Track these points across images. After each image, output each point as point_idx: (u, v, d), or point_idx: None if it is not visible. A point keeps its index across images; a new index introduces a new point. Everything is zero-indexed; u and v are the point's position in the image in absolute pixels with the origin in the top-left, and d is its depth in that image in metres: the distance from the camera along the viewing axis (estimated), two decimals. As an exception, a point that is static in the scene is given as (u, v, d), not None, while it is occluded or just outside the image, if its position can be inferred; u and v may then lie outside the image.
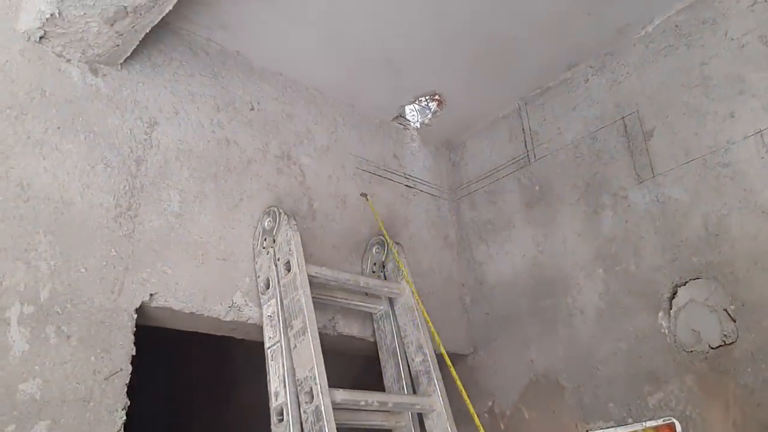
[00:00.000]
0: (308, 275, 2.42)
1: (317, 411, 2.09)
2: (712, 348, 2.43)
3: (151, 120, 2.48)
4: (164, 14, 2.22)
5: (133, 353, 2.16)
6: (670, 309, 2.58)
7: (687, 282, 2.56)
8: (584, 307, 2.85)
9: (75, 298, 2.09)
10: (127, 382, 2.12)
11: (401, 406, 2.42)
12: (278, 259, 2.46)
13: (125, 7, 2.15)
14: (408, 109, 3.41)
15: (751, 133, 2.46)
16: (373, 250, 2.91)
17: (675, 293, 2.58)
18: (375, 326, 2.81)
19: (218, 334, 2.59)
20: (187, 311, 2.34)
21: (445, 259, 3.38)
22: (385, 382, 2.69)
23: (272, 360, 2.33)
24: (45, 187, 2.13)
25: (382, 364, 2.72)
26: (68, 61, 2.32)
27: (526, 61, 3.09)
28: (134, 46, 2.35)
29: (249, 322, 2.49)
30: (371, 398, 2.30)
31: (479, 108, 3.42)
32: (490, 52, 2.99)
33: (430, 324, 2.68)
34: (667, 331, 2.58)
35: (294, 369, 2.24)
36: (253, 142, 2.78)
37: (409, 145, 3.48)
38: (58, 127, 2.23)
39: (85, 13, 2.16)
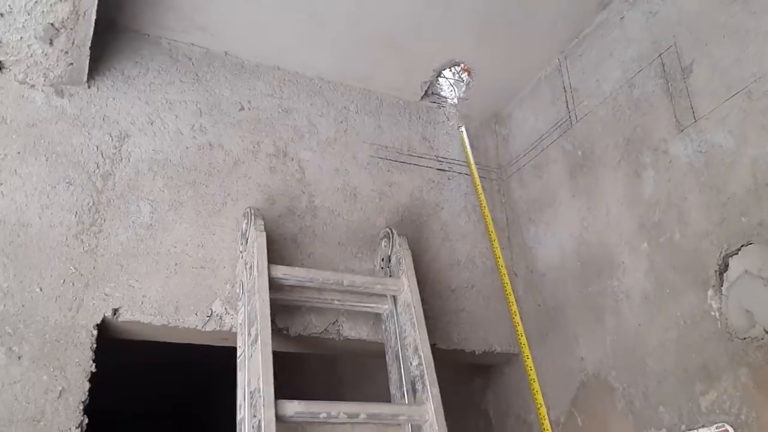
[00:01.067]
0: (273, 278, 2.24)
1: (258, 426, 1.90)
2: (768, 333, 1.86)
3: (122, 134, 2.46)
4: (93, 25, 2.18)
5: (93, 370, 2.14)
6: (721, 285, 2.02)
7: (739, 249, 1.98)
8: (630, 291, 2.34)
9: (28, 318, 2.11)
10: (84, 399, 2.09)
11: (379, 417, 2.14)
12: (247, 263, 2.31)
13: (52, 24, 2.15)
14: (441, 84, 3.10)
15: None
16: (382, 243, 2.64)
17: (726, 265, 2.02)
18: (383, 327, 2.54)
19: (203, 343, 2.49)
20: (157, 323, 2.28)
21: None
22: (390, 389, 2.42)
23: (239, 370, 2.18)
24: (1, 211, 2.19)
25: (388, 368, 2.45)
26: (32, 86, 2.38)
27: (558, 5, 2.63)
28: (86, 62, 2.35)
29: (233, 331, 2.37)
30: (336, 409, 2.05)
31: (521, 71, 3.00)
32: (519, 3, 2.60)
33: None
34: (717, 313, 2.02)
35: (249, 380, 2.08)
36: (241, 143, 2.66)
37: (443, 124, 3.15)
38: (18, 152, 2.28)
39: (21, 37, 2.20)
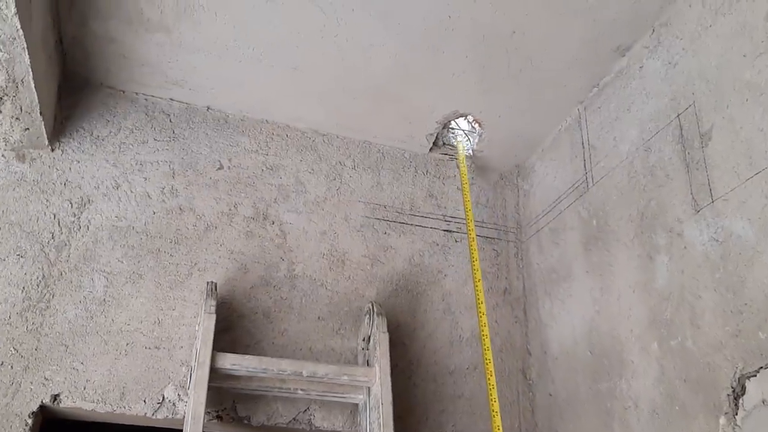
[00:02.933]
0: (219, 368, 2.00)
1: None
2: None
3: (83, 199, 2.31)
4: (34, 91, 2.03)
5: (30, 459, 1.98)
6: (735, 414, 1.59)
7: (757, 372, 1.55)
8: (638, 399, 1.93)
9: (-43, 404, 1.98)
10: (11, 494, 1.93)
11: None
12: (194, 348, 2.08)
13: (-9, 91, 2.03)
14: (453, 135, 2.78)
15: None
16: (365, 320, 2.35)
17: (743, 388, 1.58)
18: (359, 419, 2.24)
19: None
20: (101, 411, 2.09)
21: (503, 319, 2.62)
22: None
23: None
24: (-59, 287, 2.08)
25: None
26: (-8, 151, 2.28)
27: (572, 51, 2.26)
28: (42, 127, 2.21)
29: (188, 419, 2.15)
30: None
31: (541, 121, 2.63)
32: (521, 49, 2.26)
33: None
34: (733, 452, 1.58)
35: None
36: (216, 205, 2.45)
37: (454, 179, 2.81)
38: (-31, 223, 2.18)
39: (-34, 104, 2.09)
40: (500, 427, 2.21)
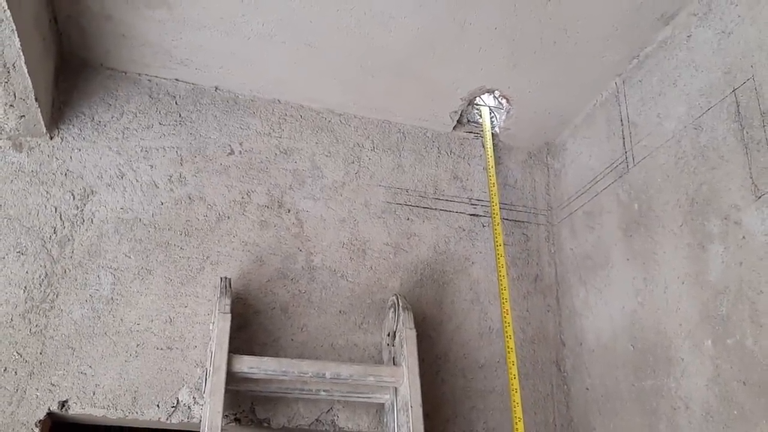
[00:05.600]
0: (236, 372, 1.86)
1: None
2: None
3: (86, 190, 2.16)
4: (26, 73, 1.87)
5: (36, 471, 1.86)
6: (807, 428, 1.43)
7: (835, 382, 1.39)
8: (689, 399, 1.78)
9: (-42, 415, 1.86)
10: None
11: None
12: (210, 350, 1.95)
13: (-20, 77, 1.87)
14: (479, 111, 2.60)
15: None
16: (389, 314, 2.20)
17: (817, 399, 1.42)
18: (385, 420, 2.11)
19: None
20: (112, 417, 1.97)
21: (535, 308, 2.47)
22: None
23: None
24: (-62, 289, 1.95)
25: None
26: (-13, 141, 2.13)
27: (612, 18, 2.07)
28: (38, 114, 2.05)
29: (204, 423, 2.02)
30: None
31: (574, 95, 2.43)
32: (556, 19, 2.07)
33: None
34: (805, 466, 1.43)
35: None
36: (227, 194, 2.30)
37: (481, 158, 2.63)
38: (-36, 219, 2.03)
39: (-44, 91, 1.93)
40: (521, 419, 2.09)
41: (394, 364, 2.09)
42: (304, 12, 2.08)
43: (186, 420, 2.02)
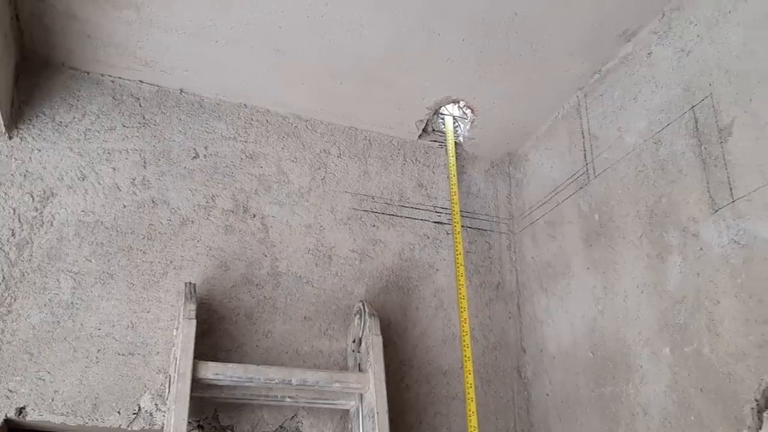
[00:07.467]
0: (201, 379, 1.84)
1: None
2: None
3: (46, 192, 2.11)
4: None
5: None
6: (759, 428, 1.50)
7: (787, 387, 1.46)
8: (648, 405, 1.83)
9: None
10: None
11: None
12: (174, 356, 1.92)
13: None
14: (443, 121, 2.63)
15: None
16: (355, 320, 2.21)
17: (767, 401, 1.49)
18: (350, 427, 2.11)
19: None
20: (71, 424, 1.92)
21: (497, 315, 2.51)
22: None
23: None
24: None
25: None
26: (-57, 140, 2.06)
27: (576, 34, 2.12)
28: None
29: (166, 430, 1.99)
30: None
31: (536, 107, 2.49)
32: (522, 32, 2.11)
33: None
34: (758, 470, 1.50)
35: None
36: (192, 198, 2.27)
37: (445, 167, 2.67)
38: None
39: None
40: (476, 428, 2.12)
41: (359, 370, 2.09)
42: (274, 17, 2.08)
43: (148, 427, 1.98)
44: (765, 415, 1.49)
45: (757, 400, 1.50)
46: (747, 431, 1.52)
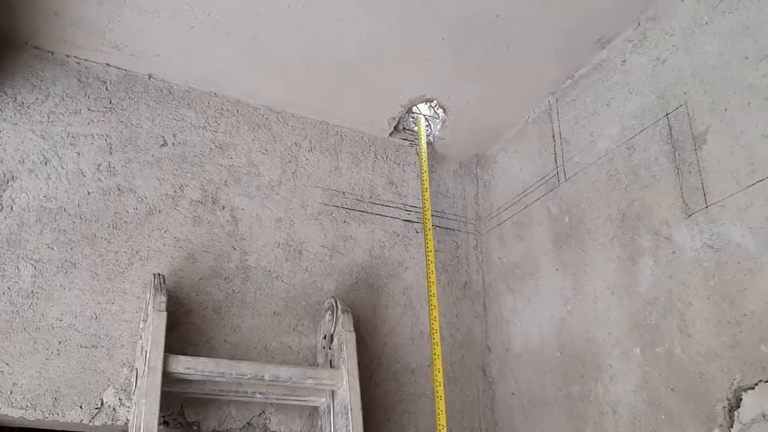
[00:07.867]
0: (171, 373, 1.78)
1: None
2: None
3: (6, 175, 2.01)
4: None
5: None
6: (730, 426, 1.55)
7: (756, 384, 1.51)
8: (617, 404, 1.87)
9: None
10: None
11: None
12: (142, 349, 1.86)
13: None
14: (414, 119, 2.63)
15: None
16: (326, 316, 2.18)
17: (738, 400, 1.54)
18: (320, 423, 2.09)
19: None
20: (30, 418, 1.83)
21: (464, 314, 2.53)
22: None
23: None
24: None
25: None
26: None
27: (551, 39, 2.15)
28: (-43, 89, 1.89)
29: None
30: None
31: (507, 109, 2.52)
32: (501, 35, 2.13)
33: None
34: (728, 465, 1.55)
35: None
36: (159, 187, 2.20)
37: (415, 166, 2.67)
38: None
39: None
40: (444, 427, 2.13)
41: (331, 366, 2.07)
42: (253, 4, 2.04)
43: (110, 422, 1.91)
44: (736, 413, 1.54)
45: (728, 399, 1.55)
46: (719, 429, 1.57)
